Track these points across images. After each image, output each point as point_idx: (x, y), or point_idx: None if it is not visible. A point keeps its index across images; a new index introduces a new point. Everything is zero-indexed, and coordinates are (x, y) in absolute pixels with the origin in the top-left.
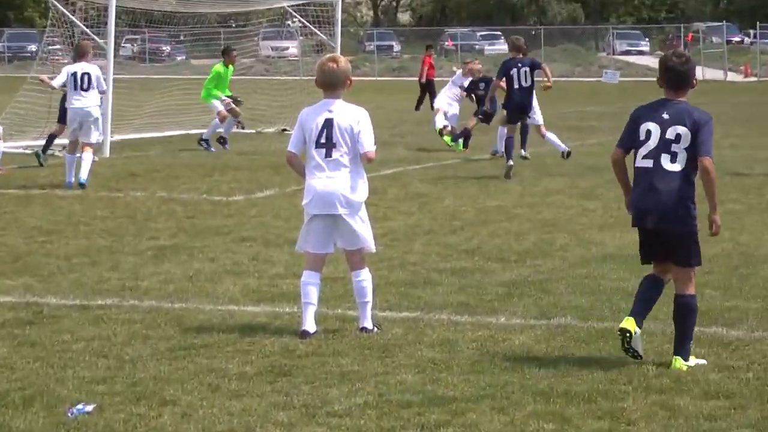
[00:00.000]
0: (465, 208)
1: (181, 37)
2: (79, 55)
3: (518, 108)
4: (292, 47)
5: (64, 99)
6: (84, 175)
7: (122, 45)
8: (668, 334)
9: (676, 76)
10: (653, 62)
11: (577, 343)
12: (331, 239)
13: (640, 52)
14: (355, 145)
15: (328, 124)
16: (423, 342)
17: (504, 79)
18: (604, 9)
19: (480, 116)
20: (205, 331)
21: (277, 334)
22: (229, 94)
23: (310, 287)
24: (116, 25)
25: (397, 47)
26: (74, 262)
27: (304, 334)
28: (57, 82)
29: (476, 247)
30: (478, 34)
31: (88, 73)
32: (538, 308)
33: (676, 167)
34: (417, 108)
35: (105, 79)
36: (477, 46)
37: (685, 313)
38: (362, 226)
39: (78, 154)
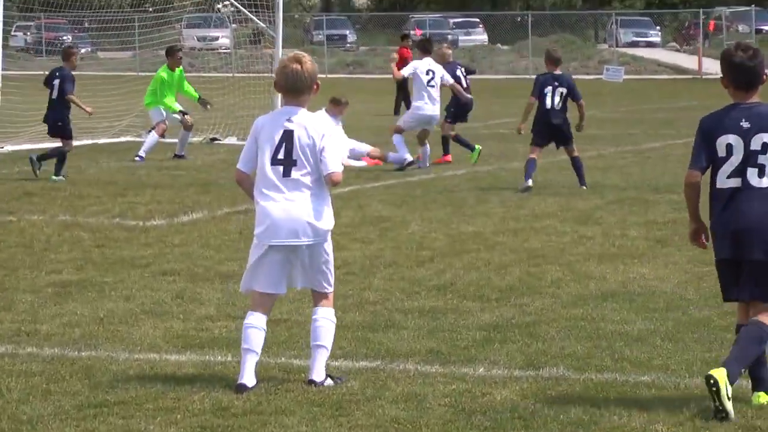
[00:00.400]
0: (435, 234)
1: (86, 24)
2: None
3: (548, 134)
4: (223, 37)
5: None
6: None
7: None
8: (682, 387)
9: (745, 74)
10: (665, 56)
11: (571, 398)
12: (284, 277)
13: (650, 44)
14: (317, 163)
15: (288, 137)
16: (385, 397)
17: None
18: None
19: (448, 119)
20: (119, 384)
21: (208, 388)
22: (197, 96)
23: (254, 331)
24: (4, 8)
25: (351, 37)
26: None
27: (241, 388)
28: None
29: (449, 283)
30: (452, 21)
31: None
32: (525, 356)
33: (767, 182)
34: (396, 112)
35: None
36: (450, 36)
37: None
38: (328, 262)
39: None
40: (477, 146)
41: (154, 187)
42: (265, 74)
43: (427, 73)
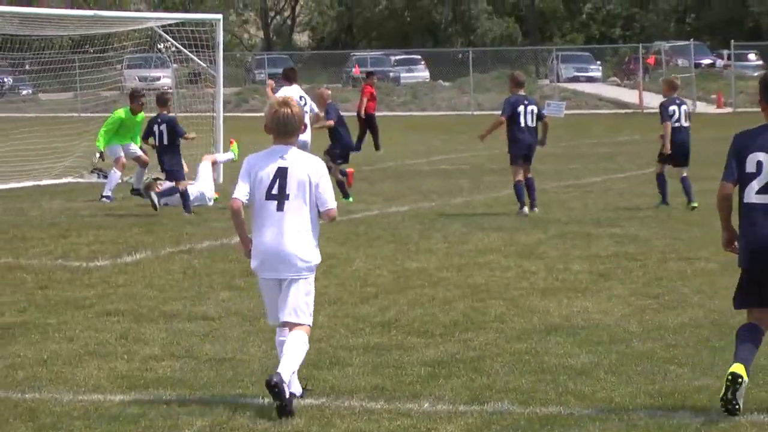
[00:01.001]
0: (379, 271)
1: (26, 66)
2: None
3: (526, 148)
4: (164, 77)
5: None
6: None
7: None
8: (626, 420)
9: None
10: (606, 91)
11: None
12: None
13: (590, 79)
14: (311, 198)
15: (282, 173)
16: None
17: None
18: (546, 26)
19: (337, 159)
20: (63, 426)
21: (152, 429)
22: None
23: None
24: None
25: None
26: None
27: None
28: None
29: (393, 319)
30: (393, 58)
31: None
32: (470, 391)
33: None
34: (357, 148)
35: None
36: (392, 73)
37: None
38: (309, 294)
39: None
40: (350, 199)
41: (97, 227)
42: (207, 113)
43: (300, 99)
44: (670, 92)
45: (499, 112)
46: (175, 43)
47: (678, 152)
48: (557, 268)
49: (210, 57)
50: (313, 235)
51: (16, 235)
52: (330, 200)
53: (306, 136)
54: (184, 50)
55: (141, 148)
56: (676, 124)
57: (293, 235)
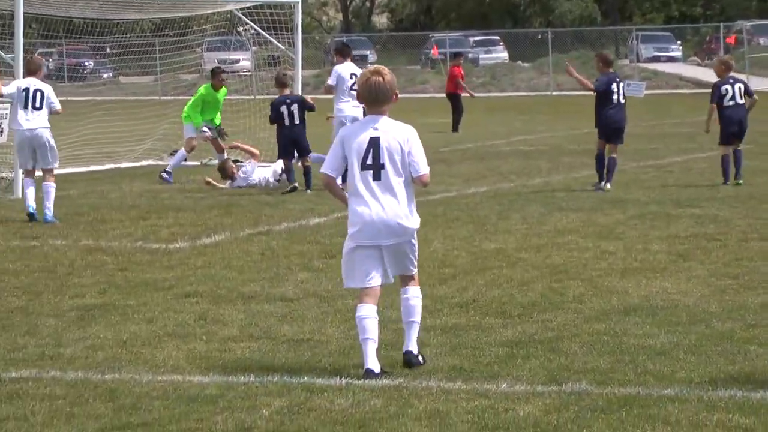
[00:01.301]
0: (458, 252)
1: (107, 50)
2: (30, 70)
3: (615, 125)
4: (244, 59)
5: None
6: (49, 209)
7: None
8: (705, 400)
9: None
10: (686, 71)
11: (594, 413)
12: (380, 269)
13: (671, 59)
14: (405, 166)
15: (374, 143)
16: (408, 414)
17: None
18: (625, 6)
19: None
20: (143, 406)
21: (231, 410)
22: (218, 123)
23: (368, 321)
24: (26, 36)
25: (372, 57)
26: None
27: (369, 373)
28: (6, 90)
29: (471, 300)
30: (472, 39)
31: (40, 90)
32: (548, 372)
33: None
34: (455, 129)
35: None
36: (471, 54)
37: None
38: (414, 252)
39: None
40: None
41: (176, 210)
42: None
43: (351, 77)
44: (724, 72)
45: (591, 89)
46: (254, 25)
47: (736, 129)
48: (636, 248)
49: (289, 39)
50: (410, 200)
51: (96, 217)
52: (422, 166)
53: (358, 111)
54: (263, 33)
55: (219, 128)
56: (731, 103)
57: (393, 204)
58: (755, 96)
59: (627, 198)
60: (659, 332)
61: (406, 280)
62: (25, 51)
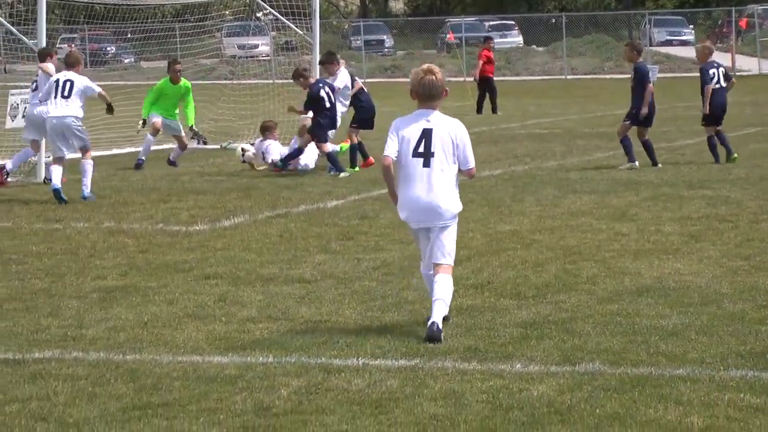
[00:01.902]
0: (472, 234)
1: (129, 35)
2: (68, 63)
3: (721, 109)
4: (263, 45)
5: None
6: (86, 187)
7: (57, 46)
8: (717, 380)
9: None
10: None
11: (607, 393)
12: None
13: (683, 43)
14: (453, 157)
15: (427, 134)
16: (423, 395)
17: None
18: None
19: (354, 125)
20: (163, 386)
21: (250, 389)
22: (191, 124)
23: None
24: (49, 21)
25: (389, 42)
26: (5, 309)
27: (433, 327)
28: (41, 95)
29: (486, 281)
30: (487, 24)
31: (71, 81)
32: (561, 352)
33: None
34: (479, 111)
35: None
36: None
37: None
38: (453, 241)
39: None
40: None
41: (196, 192)
42: None
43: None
44: (707, 57)
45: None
46: (272, 10)
47: (720, 111)
48: (649, 230)
49: (307, 24)
50: (456, 187)
51: (117, 200)
52: (471, 160)
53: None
54: (282, 18)
55: (192, 129)
56: (716, 86)
57: (440, 189)
58: (733, 79)
59: (640, 180)
60: (671, 313)
61: (438, 268)
62: (48, 36)
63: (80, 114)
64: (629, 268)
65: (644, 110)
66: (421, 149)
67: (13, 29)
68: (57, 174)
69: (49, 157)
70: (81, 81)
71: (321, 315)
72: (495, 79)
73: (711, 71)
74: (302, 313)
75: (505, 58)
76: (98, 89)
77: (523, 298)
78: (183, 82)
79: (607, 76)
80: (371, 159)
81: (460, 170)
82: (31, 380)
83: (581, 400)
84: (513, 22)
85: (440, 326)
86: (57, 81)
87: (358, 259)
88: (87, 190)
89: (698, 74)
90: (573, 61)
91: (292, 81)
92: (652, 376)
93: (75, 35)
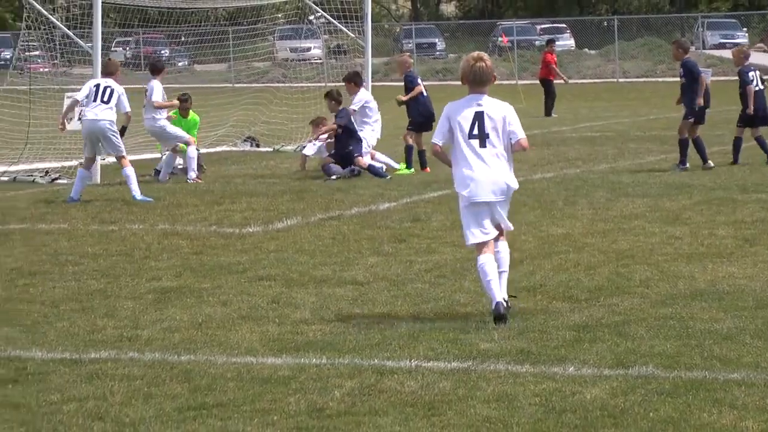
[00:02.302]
0: (525, 237)
1: (182, 39)
2: (107, 72)
3: (762, 110)
4: (315, 48)
5: None
6: (135, 191)
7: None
8: None
9: None
10: (752, 58)
11: (661, 396)
12: (490, 222)
13: (736, 46)
14: (505, 136)
15: (479, 117)
16: (476, 397)
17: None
18: None
19: (410, 127)
20: (217, 387)
21: (303, 391)
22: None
23: (488, 266)
24: (104, 25)
25: (440, 45)
26: (62, 309)
27: (498, 306)
28: (81, 95)
29: (539, 284)
30: (539, 27)
31: (111, 88)
32: (614, 356)
33: None
34: (548, 113)
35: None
36: (537, 42)
37: None
38: (507, 211)
39: (89, 171)
40: (411, 170)
41: (249, 195)
42: None
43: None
44: (743, 61)
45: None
46: (324, 14)
47: (760, 113)
48: (702, 233)
49: (358, 28)
50: (511, 165)
51: (172, 202)
52: (520, 132)
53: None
54: (334, 21)
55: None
56: (756, 88)
57: (497, 166)
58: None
59: (693, 183)
60: (725, 317)
61: (500, 235)
62: (103, 40)
63: (114, 119)
64: (683, 271)
65: (700, 101)
66: (475, 131)
67: (70, 32)
68: (80, 185)
69: (104, 159)
70: (120, 90)
71: (374, 317)
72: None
73: (750, 74)
74: (355, 315)
75: (558, 61)
76: (128, 108)
77: (575, 301)
78: (191, 116)
79: (659, 79)
80: (428, 169)
81: (512, 146)
82: (88, 380)
83: (634, 404)
84: (565, 26)
85: (508, 303)
86: (97, 86)
87: (411, 262)
88: (137, 194)
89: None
90: (625, 64)
91: (343, 84)
92: (707, 380)
93: (129, 38)
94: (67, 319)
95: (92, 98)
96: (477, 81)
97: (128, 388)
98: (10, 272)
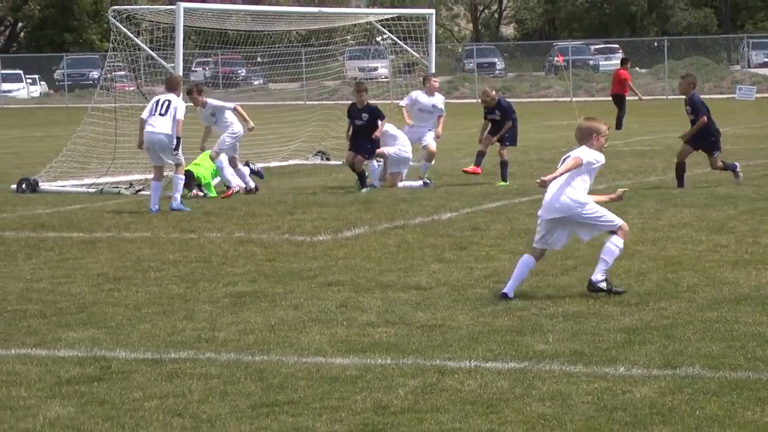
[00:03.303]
0: (578, 245)
1: (258, 59)
2: (169, 87)
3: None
4: (382, 67)
5: None
6: (177, 200)
7: (192, 69)
8: None
9: None
10: None
11: (707, 395)
12: (548, 238)
13: None
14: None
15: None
16: (532, 396)
17: None
18: (737, 15)
19: (507, 143)
20: (289, 386)
21: (369, 389)
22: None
23: (523, 261)
24: (185, 47)
25: (500, 65)
26: (145, 312)
27: (504, 296)
28: (144, 114)
29: None
30: (592, 47)
31: (169, 100)
32: (663, 357)
33: None
34: (618, 127)
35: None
36: (591, 61)
37: None
38: (595, 216)
39: (161, 181)
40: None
41: (319, 205)
42: None
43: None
44: None
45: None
46: (391, 35)
47: None
48: (747, 241)
49: (423, 48)
50: (569, 186)
51: (247, 212)
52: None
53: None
54: (400, 42)
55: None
56: None
57: (551, 190)
58: None
59: (738, 194)
60: None
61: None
62: (184, 61)
63: (169, 130)
64: (728, 277)
65: (687, 136)
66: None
67: (154, 54)
68: (154, 196)
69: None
70: (177, 103)
71: (436, 320)
72: (599, 99)
73: None
74: (418, 318)
75: (610, 80)
76: (180, 117)
77: (626, 305)
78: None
79: (707, 96)
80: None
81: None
82: (168, 379)
83: (682, 402)
84: (617, 46)
85: (596, 282)
86: (157, 101)
87: (471, 268)
88: (176, 202)
89: None
90: (674, 83)
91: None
92: (750, 380)
93: (209, 59)
94: (149, 321)
95: (152, 112)
96: (577, 138)
97: (205, 386)
98: (96, 277)
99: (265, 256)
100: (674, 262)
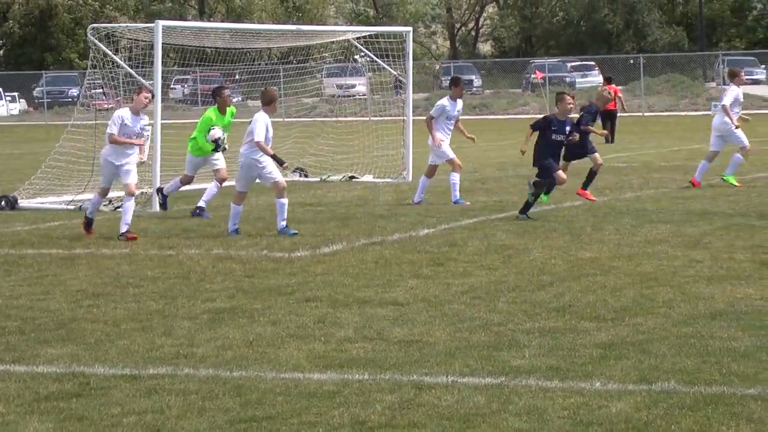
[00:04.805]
0: (555, 261)
1: (237, 76)
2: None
3: None
4: (360, 84)
5: None
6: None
7: (171, 87)
8: None
9: None
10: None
11: (682, 410)
12: None
13: (755, 81)
14: None
15: None
16: (508, 411)
17: None
18: (712, 32)
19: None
20: (267, 401)
21: (346, 405)
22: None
23: None
24: (164, 64)
25: (477, 82)
26: (123, 328)
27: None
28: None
29: (567, 305)
30: (569, 65)
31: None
32: (638, 372)
33: None
34: (610, 140)
35: (149, 126)
36: (567, 78)
37: None
38: None
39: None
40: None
41: (297, 221)
42: (399, 117)
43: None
44: None
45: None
46: (369, 53)
47: None
48: (722, 257)
49: (400, 66)
50: None
51: (226, 228)
52: None
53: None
54: (378, 60)
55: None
56: None
57: None
58: None
59: (714, 210)
60: (743, 335)
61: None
62: (163, 78)
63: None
64: (703, 293)
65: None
66: None
67: (133, 72)
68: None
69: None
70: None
71: (413, 335)
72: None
73: None
74: (395, 334)
75: (587, 96)
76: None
77: (602, 320)
78: (231, 109)
79: (682, 113)
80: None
81: None
82: (146, 395)
83: (657, 417)
84: (593, 63)
85: None
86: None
87: (448, 284)
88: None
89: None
90: (650, 99)
91: (386, 118)
92: (725, 395)
93: (188, 76)
94: (128, 337)
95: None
96: None
97: (184, 402)
98: (75, 294)
99: (244, 272)
100: (650, 278)
